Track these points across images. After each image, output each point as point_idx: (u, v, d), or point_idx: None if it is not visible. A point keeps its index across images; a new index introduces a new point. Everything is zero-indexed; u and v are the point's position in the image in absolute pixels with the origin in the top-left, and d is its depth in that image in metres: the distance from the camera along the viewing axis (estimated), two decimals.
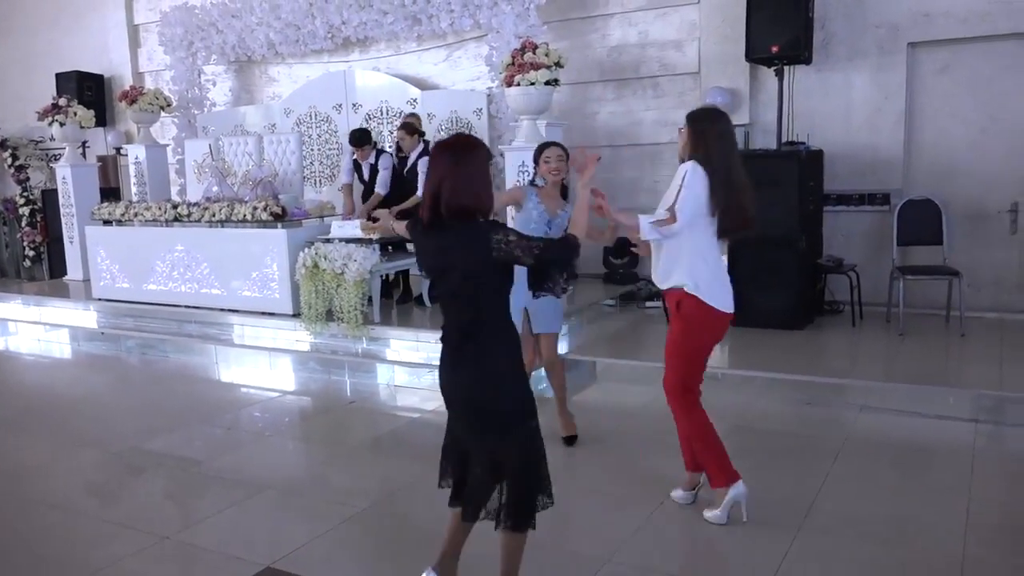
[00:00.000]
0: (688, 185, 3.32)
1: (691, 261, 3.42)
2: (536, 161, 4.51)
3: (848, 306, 6.63)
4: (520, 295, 4.26)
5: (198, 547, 3.54)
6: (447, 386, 2.79)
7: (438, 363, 2.81)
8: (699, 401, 3.58)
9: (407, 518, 3.78)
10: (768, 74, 7.05)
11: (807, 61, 6.75)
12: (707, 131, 3.42)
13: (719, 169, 3.35)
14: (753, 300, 6.48)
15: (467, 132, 7.25)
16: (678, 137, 3.57)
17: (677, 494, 3.76)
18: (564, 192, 4.61)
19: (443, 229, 2.65)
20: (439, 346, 2.78)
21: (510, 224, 4.40)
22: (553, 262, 2.67)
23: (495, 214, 4.31)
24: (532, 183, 4.50)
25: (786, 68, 6.77)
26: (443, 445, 2.92)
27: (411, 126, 7.35)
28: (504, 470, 2.74)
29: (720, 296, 3.49)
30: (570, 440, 4.64)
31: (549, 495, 2.81)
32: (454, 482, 2.90)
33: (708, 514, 3.56)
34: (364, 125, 8.68)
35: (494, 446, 2.73)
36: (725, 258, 3.71)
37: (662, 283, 3.53)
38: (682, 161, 3.48)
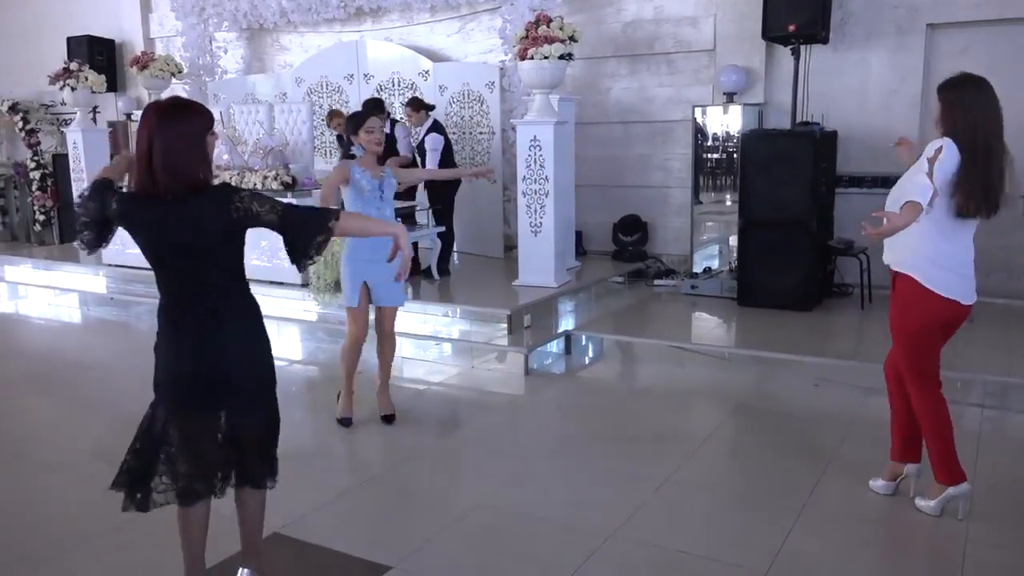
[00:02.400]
0: (940, 162, 3.08)
1: (918, 241, 3.21)
2: (355, 131, 4.30)
3: (857, 289, 6.60)
4: (359, 269, 4.28)
5: None
6: (193, 369, 2.53)
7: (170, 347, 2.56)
8: (940, 390, 3.37)
9: (412, 488, 3.81)
10: (784, 53, 6.98)
11: (824, 40, 6.68)
12: (954, 102, 3.19)
13: (968, 145, 3.12)
14: (762, 280, 6.50)
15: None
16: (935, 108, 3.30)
17: (877, 484, 3.60)
18: (379, 160, 4.48)
19: (168, 201, 2.39)
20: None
21: (346, 200, 4.35)
22: (303, 223, 2.43)
23: (323, 200, 4.24)
24: (350, 156, 4.39)
25: (802, 47, 6.70)
26: (138, 448, 2.63)
27: (418, 101, 7.37)
28: (245, 438, 2.63)
29: (941, 280, 3.22)
30: (389, 419, 4.51)
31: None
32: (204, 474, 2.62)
33: (921, 503, 3.43)
34: (376, 96, 8.63)
35: (242, 416, 2.60)
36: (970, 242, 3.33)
37: (891, 262, 3.36)
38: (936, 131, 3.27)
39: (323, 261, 6.35)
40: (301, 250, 2.45)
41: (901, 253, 3.30)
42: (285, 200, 2.46)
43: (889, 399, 3.60)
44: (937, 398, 3.37)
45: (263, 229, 2.47)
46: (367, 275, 4.29)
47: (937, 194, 3.09)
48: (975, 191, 3.13)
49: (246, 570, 2.81)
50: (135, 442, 2.65)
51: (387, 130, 7.28)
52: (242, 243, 2.52)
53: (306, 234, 2.43)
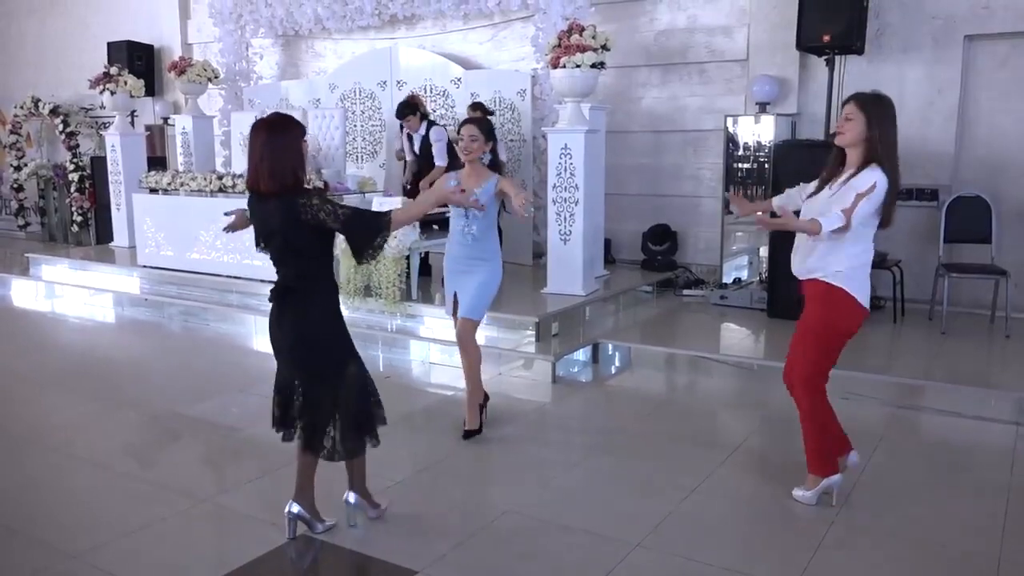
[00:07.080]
0: (872, 199, 3.27)
1: (845, 252, 3.39)
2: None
3: (890, 302, 6.52)
4: (449, 280, 4.41)
5: (233, 511, 3.63)
6: (274, 337, 3.28)
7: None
8: (826, 390, 3.61)
9: (438, 493, 3.82)
10: (818, 63, 6.92)
11: (859, 51, 6.62)
12: (889, 129, 3.33)
13: (895, 170, 3.34)
14: (793, 292, 6.38)
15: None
16: (843, 122, 3.37)
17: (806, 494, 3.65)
18: (491, 166, 4.37)
19: (265, 199, 3.02)
20: None
21: (451, 214, 4.43)
22: (360, 231, 3.00)
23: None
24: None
25: (837, 58, 6.65)
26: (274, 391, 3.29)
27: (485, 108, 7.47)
28: (326, 405, 3.21)
29: (863, 293, 3.46)
30: (468, 434, 4.41)
31: (369, 435, 3.30)
32: (283, 420, 3.29)
33: (798, 493, 3.63)
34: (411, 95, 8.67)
35: (310, 385, 3.20)
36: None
37: (807, 274, 3.50)
38: (847, 144, 3.38)
39: (353, 265, 6.41)
40: (360, 250, 3.04)
41: (830, 265, 3.41)
42: (351, 205, 3.08)
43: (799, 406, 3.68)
44: (826, 398, 3.60)
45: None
46: (456, 286, 4.41)
47: (848, 228, 3.26)
48: (894, 205, 3.37)
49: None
50: None
51: (422, 132, 7.29)
52: (320, 240, 3.08)
53: (367, 235, 3.00)
